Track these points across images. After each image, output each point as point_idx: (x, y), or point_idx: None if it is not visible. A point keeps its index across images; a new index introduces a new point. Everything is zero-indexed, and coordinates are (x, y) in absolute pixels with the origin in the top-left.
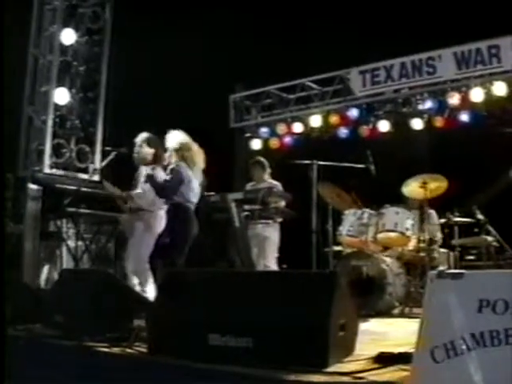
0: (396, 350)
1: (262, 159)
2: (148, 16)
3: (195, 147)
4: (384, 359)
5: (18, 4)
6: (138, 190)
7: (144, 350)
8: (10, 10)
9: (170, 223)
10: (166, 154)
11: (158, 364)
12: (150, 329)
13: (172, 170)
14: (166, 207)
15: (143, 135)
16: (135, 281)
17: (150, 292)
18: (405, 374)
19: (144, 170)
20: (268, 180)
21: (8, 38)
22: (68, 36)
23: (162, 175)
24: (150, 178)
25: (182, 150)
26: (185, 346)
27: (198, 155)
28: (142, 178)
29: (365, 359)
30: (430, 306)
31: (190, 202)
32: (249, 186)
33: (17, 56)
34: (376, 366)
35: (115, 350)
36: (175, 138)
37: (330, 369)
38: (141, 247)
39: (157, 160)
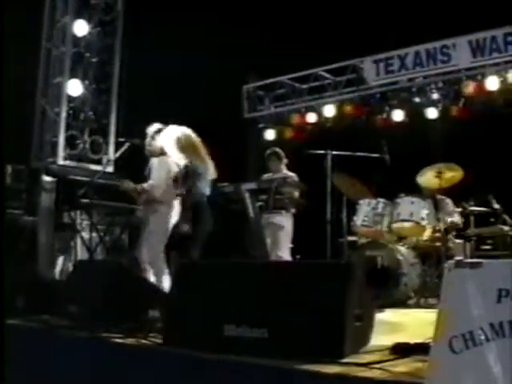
0: (412, 341)
1: (278, 150)
2: (160, 6)
3: (196, 139)
4: (400, 350)
5: None
6: (150, 181)
7: (159, 340)
8: (22, 2)
9: (185, 215)
10: (168, 150)
11: (172, 355)
12: (165, 319)
13: (186, 167)
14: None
15: (155, 126)
16: (150, 271)
17: (165, 282)
18: (422, 364)
19: (156, 162)
20: (284, 171)
21: (20, 29)
22: (80, 27)
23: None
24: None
25: (188, 146)
26: (200, 337)
27: (201, 147)
28: (155, 170)
29: (381, 350)
30: (448, 295)
31: (204, 196)
32: (265, 177)
33: (29, 48)
34: (392, 356)
35: (129, 340)
36: (174, 132)
37: (346, 359)
38: (156, 238)
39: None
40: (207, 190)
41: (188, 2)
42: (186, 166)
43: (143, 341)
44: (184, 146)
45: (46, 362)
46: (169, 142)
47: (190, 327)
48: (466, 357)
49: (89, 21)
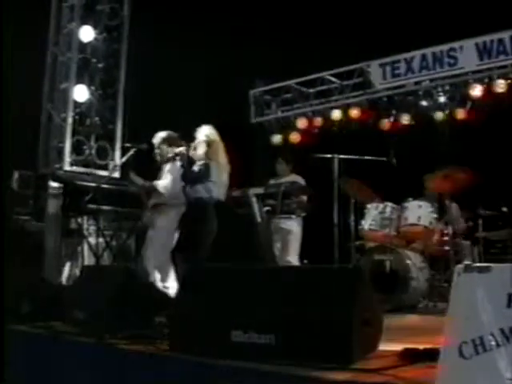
0: (421, 346)
1: (285, 154)
2: (166, 11)
3: (222, 146)
4: (409, 355)
5: (36, 2)
6: (165, 180)
7: (166, 346)
8: (29, 8)
9: (192, 218)
10: (193, 144)
11: (179, 361)
12: (172, 325)
13: (204, 164)
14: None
15: (160, 135)
16: (156, 276)
17: (172, 287)
18: (431, 370)
19: (167, 166)
20: (291, 175)
21: (27, 35)
22: (86, 33)
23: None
24: (184, 165)
25: (211, 146)
26: (207, 343)
27: (224, 154)
28: (166, 172)
29: (389, 355)
30: (457, 300)
31: (213, 199)
32: (272, 181)
33: (36, 54)
34: (401, 362)
35: (136, 347)
36: (205, 131)
37: (354, 365)
38: (163, 242)
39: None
40: (216, 195)
41: (195, 6)
42: (204, 164)
43: (150, 347)
44: (213, 151)
45: (52, 368)
46: (199, 140)
47: (197, 333)
48: (476, 362)
49: (95, 26)
